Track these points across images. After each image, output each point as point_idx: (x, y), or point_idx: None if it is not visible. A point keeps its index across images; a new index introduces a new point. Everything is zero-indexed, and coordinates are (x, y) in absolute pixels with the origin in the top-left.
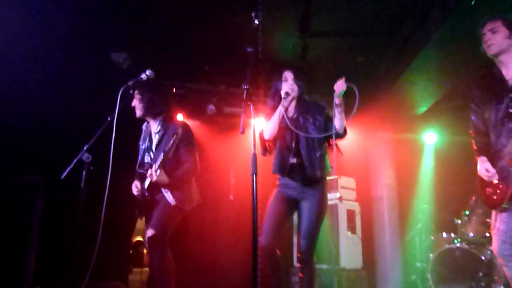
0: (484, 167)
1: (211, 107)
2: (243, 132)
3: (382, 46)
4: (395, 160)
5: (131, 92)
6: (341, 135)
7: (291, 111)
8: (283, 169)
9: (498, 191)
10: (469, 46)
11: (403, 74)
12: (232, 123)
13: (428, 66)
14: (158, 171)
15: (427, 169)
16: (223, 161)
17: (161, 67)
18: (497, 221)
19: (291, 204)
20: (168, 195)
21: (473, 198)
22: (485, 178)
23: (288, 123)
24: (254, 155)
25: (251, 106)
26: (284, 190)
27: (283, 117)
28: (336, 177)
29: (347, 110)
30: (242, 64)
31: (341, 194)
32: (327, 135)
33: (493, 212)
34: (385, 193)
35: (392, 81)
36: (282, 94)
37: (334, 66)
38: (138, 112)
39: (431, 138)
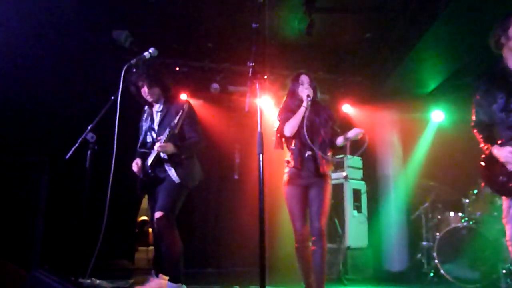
0: (508, 151)
1: (215, 85)
2: (248, 111)
3: (390, 22)
4: (402, 139)
5: (134, 70)
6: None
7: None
8: (301, 162)
9: None
10: (478, 22)
11: (411, 51)
12: (237, 102)
13: (437, 43)
14: (162, 143)
15: (425, 144)
16: (228, 141)
17: (164, 44)
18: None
19: (305, 190)
20: (172, 173)
21: (482, 184)
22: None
23: (307, 122)
24: (260, 134)
25: (257, 84)
26: (295, 179)
27: (303, 117)
28: (342, 156)
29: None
30: (247, 41)
31: (347, 173)
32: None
33: (506, 200)
34: (391, 171)
35: (400, 59)
36: (304, 96)
37: (340, 42)
38: (151, 99)
39: (438, 117)
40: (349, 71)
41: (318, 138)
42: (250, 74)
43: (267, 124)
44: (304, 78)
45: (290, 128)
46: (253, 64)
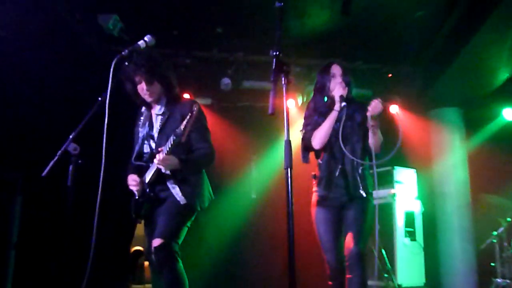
0: None
1: (226, 80)
2: (272, 113)
3: None
4: (467, 145)
5: (126, 64)
6: (378, 155)
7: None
8: (330, 184)
9: None
10: None
11: (476, 33)
12: (254, 102)
13: (510, 22)
14: (165, 155)
15: (497, 151)
16: (243, 151)
17: (161, 31)
18: None
19: (338, 212)
20: (175, 191)
21: None
22: None
23: (341, 130)
24: (288, 142)
25: (283, 79)
26: (326, 199)
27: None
28: (389, 167)
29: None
30: (268, 24)
31: (397, 189)
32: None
33: None
34: (454, 187)
35: (462, 42)
36: (337, 97)
37: (385, 23)
38: (150, 98)
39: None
40: (396, 59)
41: (354, 148)
42: (273, 66)
43: (295, 130)
44: (336, 70)
45: (318, 139)
46: (278, 53)
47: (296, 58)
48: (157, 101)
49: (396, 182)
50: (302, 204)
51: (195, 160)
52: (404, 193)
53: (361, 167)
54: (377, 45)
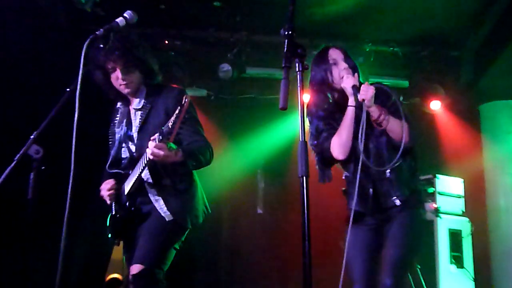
0: None
1: (225, 66)
2: (284, 108)
3: None
4: None
5: (101, 47)
6: (409, 148)
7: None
8: (366, 202)
9: None
10: None
11: None
12: (260, 93)
13: None
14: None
15: None
16: (247, 156)
17: (145, 5)
18: None
19: (374, 233)
20: (159, 205)
21: None
22: None
23: (361, 132)
24: (304, 145)
25: (298, 64)
26: (360, 219)
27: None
28: (430, 175)
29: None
30: None
31: (440, 203)
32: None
33: None
34: (510, 201)
35: None
36: (348, 89)
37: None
38: (127, 89)
39: None
40: (437, 41)
41: (378, 148)
42: (285, 49)
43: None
44: (336, 54)
45: (339, 146)
46: (291, 32)
47: (313, 39)
48: (136, 93)
49: (439, 193)
50: (320, 220)
51: (194, 150)
52: (449, 207)
53: (388, 169)
54: (413, 24)
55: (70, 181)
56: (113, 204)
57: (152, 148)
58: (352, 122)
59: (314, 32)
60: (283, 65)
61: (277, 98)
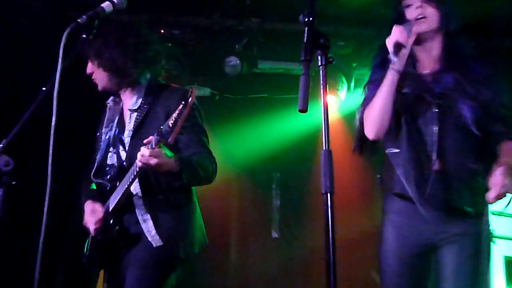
0: None
1: (233, 60)
2: (304, 110)
3: None
4: None
5: (83, 37)
6: None
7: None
8: (423, 187)
9: None
10: None
11: None
12: (274, 92)
13: None
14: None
15: None
16: (259, 168)
17: None
18: None
19: (425, 255)
20: (148, 226)
21: None
22: None
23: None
24: (328, 153)
25: (320, 58)
26: (406, 222)
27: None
28: None
29: None
30: None
31: (494, 225)
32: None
33: None
34: None
35: None
36: (389, 46)
37: None
38: (103, 83)
39: None
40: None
41: (455, 135)
42: (305, 39)
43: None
44: None
45: (371, 122)
46: (311, 18)
47: (337, 26)
48: (130, 91)
49: (493, 213)
50: (347, 243)
51: (194, 162)
52: (505, 230)
53: (472, 172)
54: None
55: (46, 197)
56: (94, 230)
57: (144, 155)
58: (389, 91)
59: (340, 18)
60: (302, 59)
61: (295, 98)
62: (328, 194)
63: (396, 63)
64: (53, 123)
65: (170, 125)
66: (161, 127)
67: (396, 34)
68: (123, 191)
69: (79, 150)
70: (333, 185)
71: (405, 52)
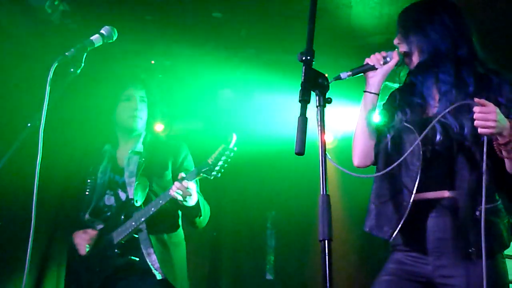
0: None
1: (228, 92)
2: (301, 152)
3: None
4: None
5: (71, 71)
6: None
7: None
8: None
9: None
10: None
11: None
12: (269, 134)
13: None
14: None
15: None
16: (254, 207)
17: (126, 17)
18: None
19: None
20: (152, 259)
21: None
22: None
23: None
24: (326, 198)
25: (318, 98)
26: (407, 260)
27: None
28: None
29: None
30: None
31: None
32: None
33: None
34: None
35: None
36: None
37: None
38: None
39: None
40: None
41: (466, 160)
42: (303, 78)
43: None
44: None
45: (353, 148)
46: (309, 58)
47: (338, 57)
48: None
49: None
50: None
51: (202, 202)
52: None
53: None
54: None
55: (31, 237)
56: (91, 257)
57: (179, 187)
58: (362, 116)
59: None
60: (299, 99)
61: (292, 139)
62: (326, 241)
63: (368, 85)
64: (38, 160)
65: (211, 163)
66: (205, 162)
67: (372, 56)
68: (133, 227)
69: (67, 187)
70: (331, 232)
71: (374, 76)
